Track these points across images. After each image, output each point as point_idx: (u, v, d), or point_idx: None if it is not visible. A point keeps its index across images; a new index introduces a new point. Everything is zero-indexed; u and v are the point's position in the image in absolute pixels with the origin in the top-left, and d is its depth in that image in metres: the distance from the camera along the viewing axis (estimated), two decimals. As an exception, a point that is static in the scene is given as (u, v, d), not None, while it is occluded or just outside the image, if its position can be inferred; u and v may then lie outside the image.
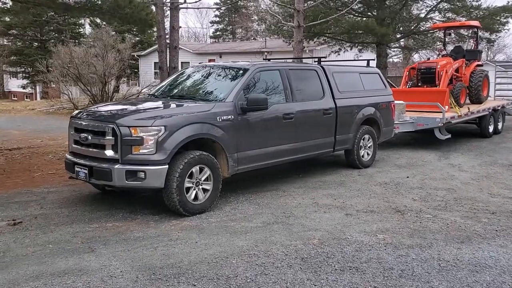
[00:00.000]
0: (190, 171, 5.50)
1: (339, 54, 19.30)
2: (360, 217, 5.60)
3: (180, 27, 11.40)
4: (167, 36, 12.48)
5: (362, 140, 8.45)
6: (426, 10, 18.51)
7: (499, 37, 19.57)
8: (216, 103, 5.96)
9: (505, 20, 17.49)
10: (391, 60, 45.08)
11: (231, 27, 62.09)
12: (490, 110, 12.93)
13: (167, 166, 5.30)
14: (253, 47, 29.03)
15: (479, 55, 14.33)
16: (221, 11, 59.76)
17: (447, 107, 11.58)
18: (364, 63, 9.35)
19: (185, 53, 33.39)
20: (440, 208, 5.99)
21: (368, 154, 8.71)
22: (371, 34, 17.21)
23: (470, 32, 16.31)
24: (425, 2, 18.64)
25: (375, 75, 9.18)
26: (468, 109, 11.86)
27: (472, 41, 15.06)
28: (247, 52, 29.08)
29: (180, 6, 11.76)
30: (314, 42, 19.00)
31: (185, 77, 7.30)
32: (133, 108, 6.08)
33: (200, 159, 5.58)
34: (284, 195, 6.62)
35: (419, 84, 13.06)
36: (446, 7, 18.07)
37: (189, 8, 11.11)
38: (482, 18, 16.69)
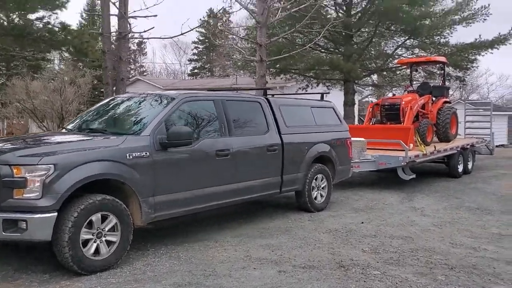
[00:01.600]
0: (89, 219, 4.53)
1: (306, 91, 18.79)
2: (295, 274, 4.66)
3: (129, 56, 10.59)
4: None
5: (314, 180, 7.61)
6: (394, 47, 18.24)
7: (468, 74, 19.32)
8: (127, 137, 5.05)
9: (473, 57, 17.26)
10: (368, 98, 45.27)
11: (209, 64, 62.02)
12: (459, 149, 12.32)
13: (55, 213, 4.32)
14: (224, 84, 28.43)
15: (446, 92, 13.88)
16: (199, 49, 60.08)
17: (411, 145, 10.94)
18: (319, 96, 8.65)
19: (154, 88, 32.73)
20: (391, 262, 5.10)
21: (321, 195, 7.85)
22: (337, 70, 16.75)
23: (438, 68, 15.96)
24: (393, 39, 18.39)
25: (329, 109, 8.45)
26: (435, 147, 11.20)
27: (440, 78, 14.62)
28: (218, 89, 28.52)
29: (129, 36, 11.04)
30: (281, 78, 18.46)
31: (107, 107, 6.40)
32: (24, 143, 5.14)
33: (102, 205, 4.62)
34: (215, 246, 5.66)
35: (384, 121, 12.44)
36: (414, 43, 17.82)
37: (137, 38, 10.49)
38: (450, 54, 16.40)
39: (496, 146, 28.32)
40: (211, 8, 47.30)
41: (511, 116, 34.55)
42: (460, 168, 12.61)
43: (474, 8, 17.12)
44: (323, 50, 18.10)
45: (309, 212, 7.56)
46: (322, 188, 7.85)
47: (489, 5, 17.00)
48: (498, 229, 6.77)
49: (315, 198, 7.70)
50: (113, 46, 12.08)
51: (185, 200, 5.51)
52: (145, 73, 62.20)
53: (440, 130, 13.07)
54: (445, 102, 13.55)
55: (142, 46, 65.61)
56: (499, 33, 16.17)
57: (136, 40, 61.82)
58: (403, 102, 12.09)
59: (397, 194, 9.61)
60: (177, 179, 5.39)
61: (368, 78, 20.32)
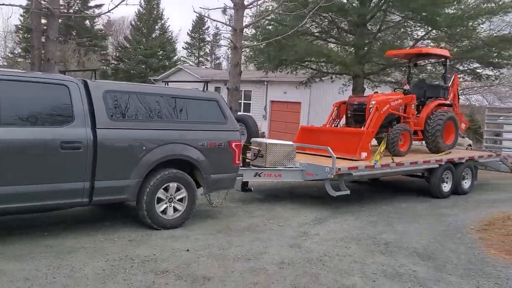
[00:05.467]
0: None
1: (306, 85, 16.80)
2: None
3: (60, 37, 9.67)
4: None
5: (162, 190, 6.08)
6: (413, 40, 15.62)
7: (501, 73, 16.10)
8: None
9: (506, 53, 14.18)
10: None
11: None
12: (443, 163, 9.92)
13: None
14: (255, 76, 26.97)
15: (445, 92, 11.34)
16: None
17: (364, 154, 8.91)
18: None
19: (193, 78, 32.17)
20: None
21: (176, 209, 6.28)
22: (330, 63, 14.58)
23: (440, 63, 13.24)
24: (414, 31, 15.75)
25: (210, 102, 6.79)
26: (392, 159, 9.00)
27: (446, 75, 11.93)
28: (250, 81, 27.35)
29: (61, 14, 10.13)
30: (281, 71, 16.55)
31: None
32: None
33: None
34: None
35: (350, 122, 10.39)
36: (436, 36, 15.08)
37: (67, 15, 9.61)
38: (474, 49, 13.61)
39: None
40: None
41: None
42: (447, 187, 10.20)
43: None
44: (330, 40, 15.95)
45: (153, 229, 6.06)
46: (179, 200, 6.29)
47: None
48: (362, 278, 4.80)
49: (164, 211, 6.16)
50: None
51: None
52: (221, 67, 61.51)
53: (429, 138, 10.70)
54: (441, 105, 11.07)
55: (217, 37, 65.54)
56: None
57: (212, 32, 61.90)
58: (373, 102, 9.93)
59: (320, 213, 7.74)
60: None
61: (387, 75, 17.65)
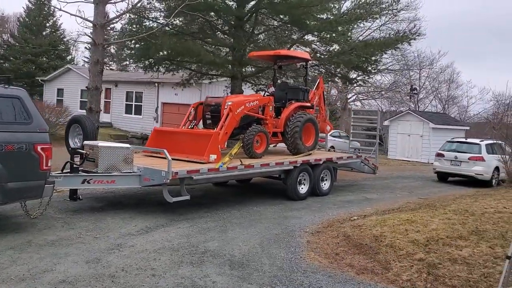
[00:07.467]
0: None
1: (185, 87, 16.33)
2: None
3: None
4: None
5: None
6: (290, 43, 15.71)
7: (367, 78, 16.84)
8: None
9: (373, 58, 14.70)
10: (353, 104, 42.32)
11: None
12: (298, 165, 9.87)
13: None
14: (146, 77, 26.06)
15: (304, 95, 11.38)
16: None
17: (214, 156, 8.51)
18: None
19: (83, 79, 30.49)
20: None
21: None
22: (198, 62, 14.16)
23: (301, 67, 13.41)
24: (293, 34, 15.85)
25: (12, 100, 5.95)
26: (241, 161, 8.74)
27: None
28: (141, 82, 26.38)
29: None
30: (155, 71, 15.85)
31: None
32: None
33: None
34: None
35: (208, 124, 10.02)
36: (311, 39, 15.30)
37: None
38: (341, 53, 13.94)
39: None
40: None
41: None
42: (304, 188, 10.18)
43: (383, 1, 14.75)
44: (208, 40, 15.53)
45: None
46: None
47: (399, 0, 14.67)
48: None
49: None
50: None
51: None
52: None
53: (288, 140, 10.64)
54: (301, 107, 11.07)
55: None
56: (398, 30, 13.77)
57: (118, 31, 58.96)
58: (229, 103, 9.61)
59: (155, 221, 7.20)
60: None
61: (267, 77, 17.62)
